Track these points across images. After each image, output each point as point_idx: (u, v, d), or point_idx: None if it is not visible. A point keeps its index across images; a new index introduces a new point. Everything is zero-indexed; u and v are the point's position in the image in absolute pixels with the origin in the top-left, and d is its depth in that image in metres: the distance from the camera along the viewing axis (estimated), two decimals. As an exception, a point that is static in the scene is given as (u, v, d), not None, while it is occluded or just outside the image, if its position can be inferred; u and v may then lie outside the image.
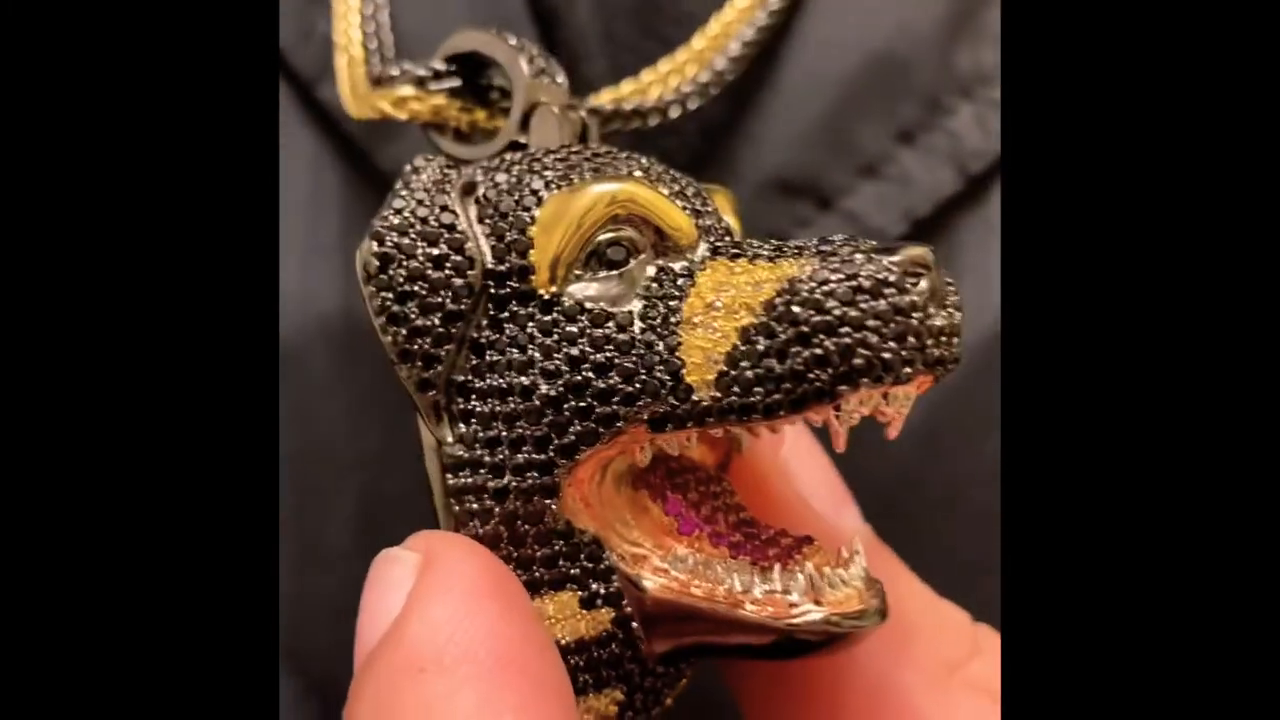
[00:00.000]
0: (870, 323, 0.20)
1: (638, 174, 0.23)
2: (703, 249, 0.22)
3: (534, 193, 0.23)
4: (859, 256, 0.20)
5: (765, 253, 0.22)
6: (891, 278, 0.20)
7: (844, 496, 0.24)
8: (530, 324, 0.22)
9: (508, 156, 0.24)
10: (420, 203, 0.23)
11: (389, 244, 0.23)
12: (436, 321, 0.22)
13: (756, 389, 0.20)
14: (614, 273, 0.22)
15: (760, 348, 0.20)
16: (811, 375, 0.20)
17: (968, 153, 0.27)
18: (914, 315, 0.20)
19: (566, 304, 0.22)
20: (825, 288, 0.20)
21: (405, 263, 0.23)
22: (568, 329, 0.22)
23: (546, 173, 0.23)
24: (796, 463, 0.23)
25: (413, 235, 0.23)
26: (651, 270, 0.22)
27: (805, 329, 0.20)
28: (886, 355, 0.20)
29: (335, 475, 0.28)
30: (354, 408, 0.28)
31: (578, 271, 0.22)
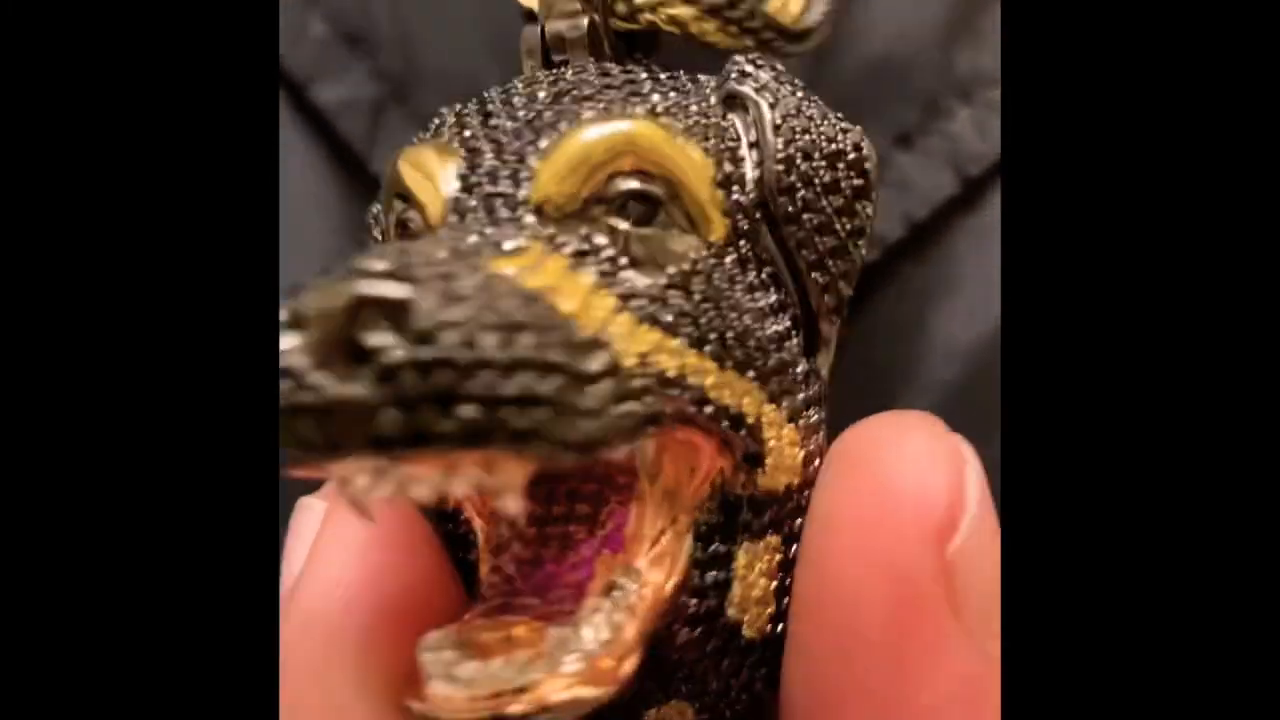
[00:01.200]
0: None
1: (446, 129, 0.21)
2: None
3: None
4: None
5: None
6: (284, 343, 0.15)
7: (997, 613, 0.19)
8: None
9: None
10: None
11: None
12: None
13: None
14: None
15: None
16: None
17: (966, 156, 0.27)
18: (286, 382, 0.15)
19: None
20: None
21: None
22: None
23: None
24: (965, 562, 0.19)
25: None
26: None
27: None
28: (284, 435, 0.16)
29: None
30: None
31: None
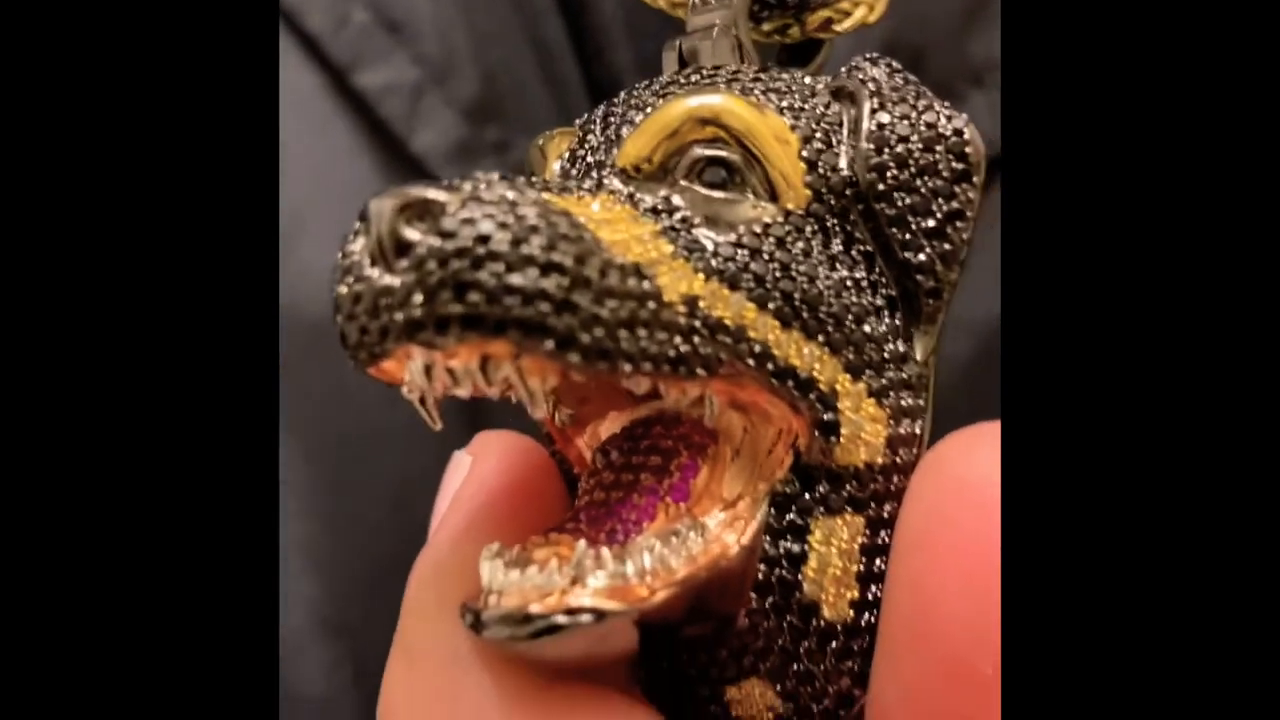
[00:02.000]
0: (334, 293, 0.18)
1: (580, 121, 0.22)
2: None
3: None
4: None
5: None
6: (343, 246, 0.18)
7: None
8: None
9: None
10: None
11: None
12: None
13: None
14: None
15: None
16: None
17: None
18: (346, 280, 0.17)
19: None
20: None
21: None
22: None
23: None
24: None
25: None
26: None
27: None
28: (346, 330, 0.18)
29: (370, 453, 0.29)
30: (386, 389, 0.29)
31: None
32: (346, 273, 0.17)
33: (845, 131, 0.20)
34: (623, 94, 0.22)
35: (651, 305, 0.17)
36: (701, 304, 0.18)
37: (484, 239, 0.16)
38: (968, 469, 0.18)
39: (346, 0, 0.30)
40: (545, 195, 0.18)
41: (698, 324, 0.18)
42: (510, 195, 0.17)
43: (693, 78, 0.21)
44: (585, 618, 0.17)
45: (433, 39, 0.29)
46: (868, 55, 0.22)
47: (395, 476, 0.29)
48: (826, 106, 0.21)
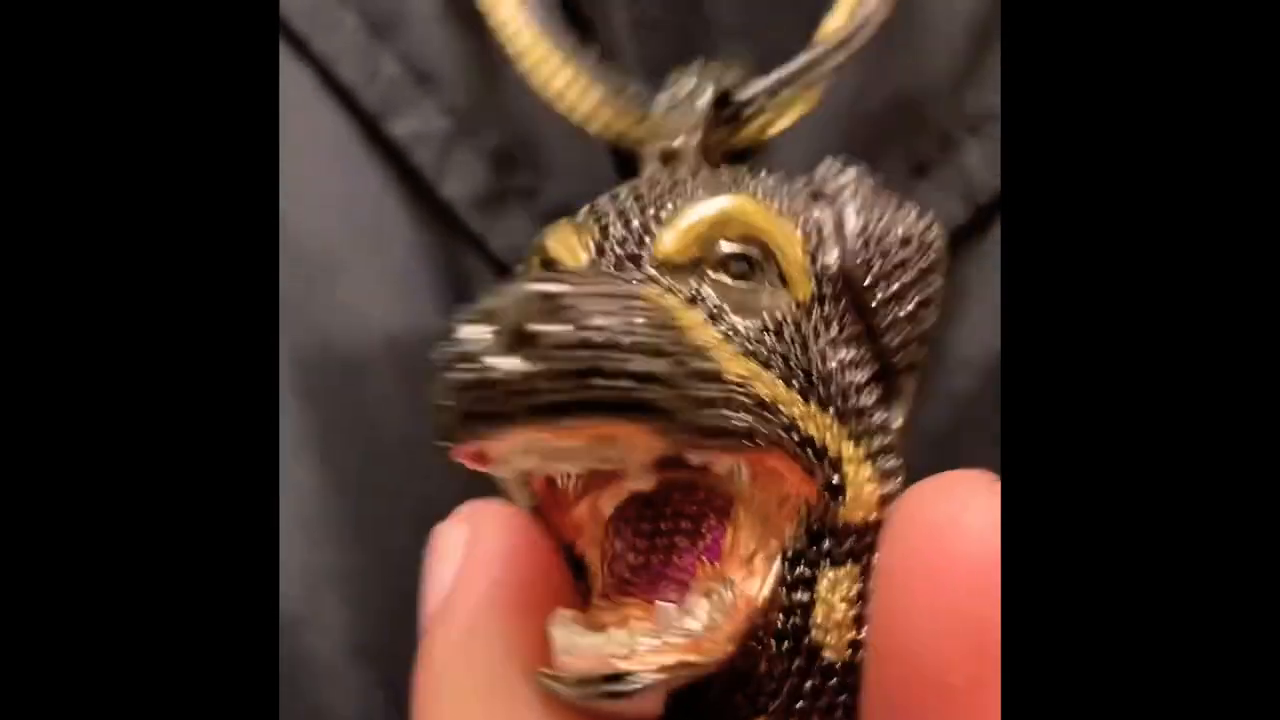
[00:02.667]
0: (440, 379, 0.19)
1: (581, 214, 0.24)
2: None
3: None
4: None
5: None
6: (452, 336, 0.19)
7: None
8: None
9: None
10: None
11: None
12: None
13: None
14: None
15: None
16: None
17: (975, 186, 0.30)
18: (460, 367, 0.19)
19: None
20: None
21: None
22: None
23: None
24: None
25: None
26: None
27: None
28: (454, 411, 0.19)
29: (396, 480, 0.30)
30: (412, 420, 0.31)
31: None
32: (461, 359, 0.19)
33: (831, 230, 0.23)
34: (623, 191, 0.24)
35: (721, 385, 0.20)
36: (749, 382, 0.21)
37: (601, 329, 0.19)
38: (931, 507, 0.20)
39: (378, 52, 0.31)
40: (634, 288, 0.20)
41: (750, 401, 0.21)
42: (615, 289, 0.19)
43: (695, 177, 0.24)
44: (669, 674, 0.20)
45: (460, 89, 0.31)
46: (835, 159, 0.25)
47: (419, 505, 0.31)
48: (810, 208, 0.24)
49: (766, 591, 0.21)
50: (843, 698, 0.22)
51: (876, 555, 0.21)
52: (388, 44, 0.31)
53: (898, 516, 0.21)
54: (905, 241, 0.24)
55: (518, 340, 0.18)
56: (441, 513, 0.30)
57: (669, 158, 0.25)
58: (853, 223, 0.23)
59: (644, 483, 0.21)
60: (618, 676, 0.19)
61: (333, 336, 0.30)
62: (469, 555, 0.22)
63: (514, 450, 0.20)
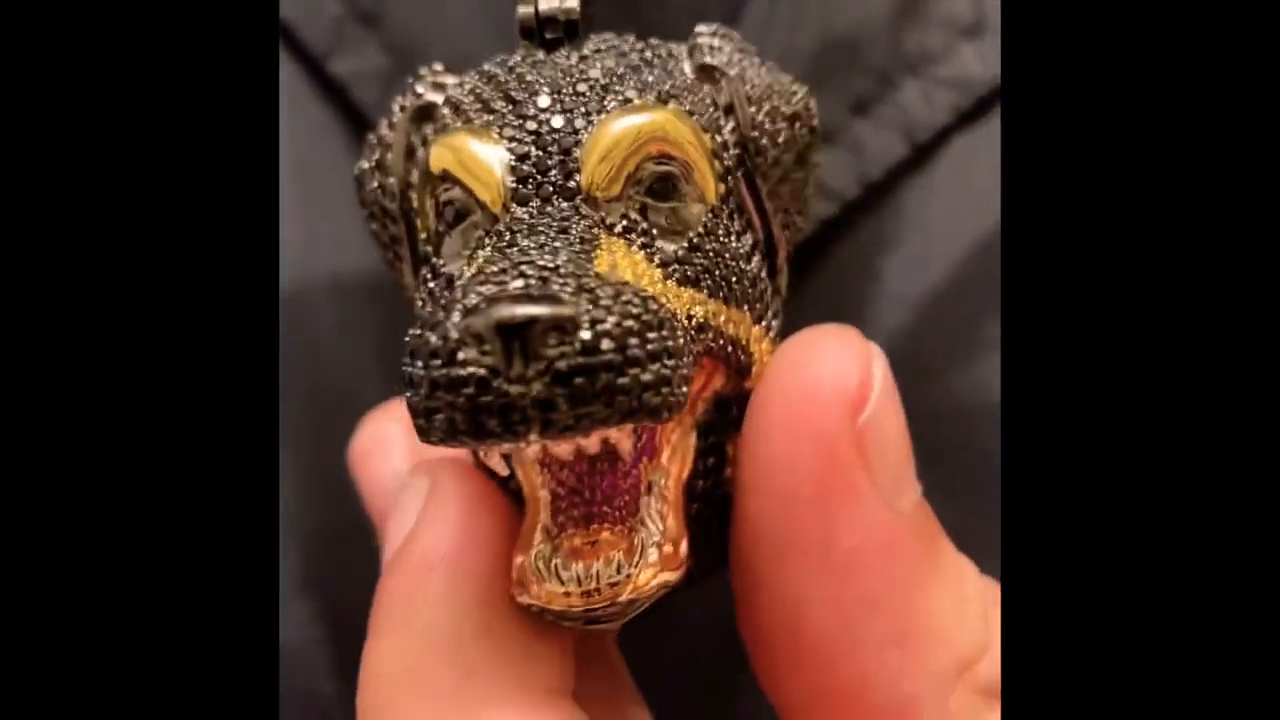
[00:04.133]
0: (427, 392, 0.19)
1: (469, 110, 0.23)
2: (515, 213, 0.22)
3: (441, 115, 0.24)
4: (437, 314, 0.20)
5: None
6: (447, 346, 0.19)
7: (907, 472, 0.23)
8: (425, 264, 0.24)
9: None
10: (383, 125, 0.26)
11: (360, 166, 0.26)
12: (386, 240, 0.25)
13: None
14: (458, 229, 0.23)
15: None
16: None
17: (914, 123, 0.30)
18: (464, 392, 0.19)
19: (431, 259, 0.23)
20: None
21: (366, 184, 0.26)
22: (428, 283, 0.23)
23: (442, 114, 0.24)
24: (873, 430, 0.22)
25: (371, 160, 0.26)
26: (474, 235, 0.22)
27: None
28: (454, 423, 0.19)
29: (344, 414, 0.31)
30: (360, 353, 0.31)
31: (437, 227, 0.23)
32: (467, 382, 0.19)
33: (722, 114, 0.24)
34: (508, 78, 0.23)
35: (686, 350, 0.21)
36: (689, 311, 0.22)
37: (621, 350, 0.19)
38: (792, 350, 0.23)
39: None
40: (598, 267, 0.21)
41: (694, 333, 0.22)
42: (611, 293, 0.20)
43: (589, 58, 0.24)
44: (655, 592, 0.21)
45: (402, 28, 0.31)
46: (711, 29, 0.25)
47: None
48: (700, 89, 0.24)
49: (688, 466, 0.23)
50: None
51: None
52: None
53: (770, 361, 0.23)
54: (791, 121, 0.25)
55: (524, 360, 0.19)
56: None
57: (547, 26, 0.25)
58: (743, 109, 0.24)
59: (503, 469, 0.23)
60: (611, 603, 0.21)
61: (280, 275, 0.30)
62: (433, 500, 0.23)
63: (509, 453, 0.21)
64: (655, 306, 0.20)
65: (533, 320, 0.19)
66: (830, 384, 0.22)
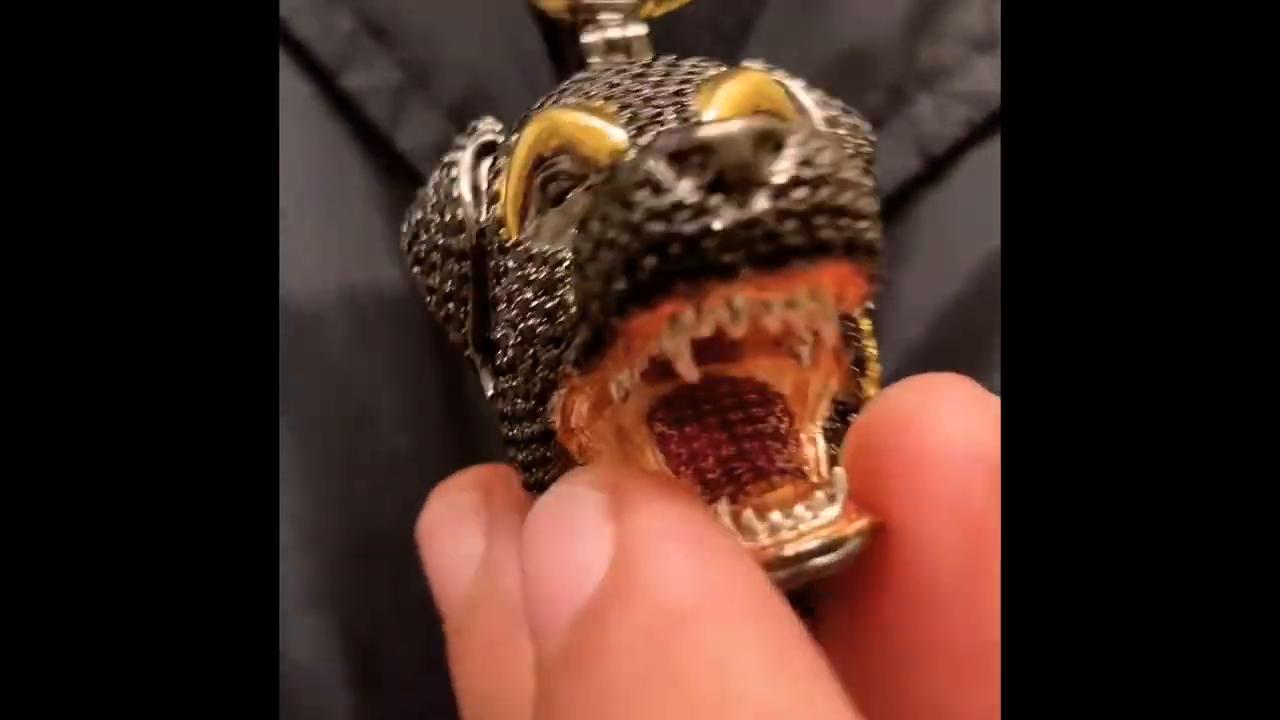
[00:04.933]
0: (644, 222, 0.17)
1: (570, 99, 0.22)
2: None
3: (507, 145, 0.23)
4: (639, 156, 0.17)
5: None
6: (653, 176, 0.17)
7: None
8: (504, 275, 0.22)
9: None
10: (440, 172, 0.25)
11: (412, 219, 0.25)
12: (449, 286, 0.24)
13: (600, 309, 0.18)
14: (559, 208, 0.21)
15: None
16: (601, 296, 0.17)
17: (927, 137, 0.30)
18: (679, 220, 0.16)
19: (518, 250, 0.22)
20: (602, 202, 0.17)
21: (422, 235, 0.25)
22: (520, 274, 0.21)
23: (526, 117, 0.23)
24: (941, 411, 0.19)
25: (428, 207, 0.25)
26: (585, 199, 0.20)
27: (582, 249, 0.18)
28: (657, 266, 0.17)
29: (353, 430, 0.31)
30: (375, 369, 0.31)
31: (534, 213, 0.22)
32: (677, 209, 0.16)
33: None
34: (603, 78, 0.23)
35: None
36: None
37: (830, 165, 0.17)
38: (915, 401, 0.19)
39: (332, 7, 0.31)
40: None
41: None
42: (816, 128, 0.19)
43: (674, 64, 0.23)
44: (863, 538, 0.19)
45: (415, 43, 0.31)
46: (758, 63, 0.25)
47: (380, 456, 0.31)
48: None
49: (824, 470, 0.20)
50: None
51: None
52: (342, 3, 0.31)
53: (879, 401, 0.20)
54: (853, 131, 0.25)
55: (740, 185, 0.16)
56: (398, 460, 0.30)
57: (614, 47, 0.25)
58: (818, 113, 0.24)
59: (693, 374, 0.19)
60: (825, 548, 0.18)
61: (291, 290, 0.30)
62: (635, 527, 0.17)
63: (712, 310, 0.17)
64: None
65: (747, 133, 0.16)
66: (966, 446, 0.18)
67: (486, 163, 0.25)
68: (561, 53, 0.31)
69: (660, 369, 0.19)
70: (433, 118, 0.31)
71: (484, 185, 0.24)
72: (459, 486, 0.24)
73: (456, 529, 0.23)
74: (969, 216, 0.30)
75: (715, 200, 0.16)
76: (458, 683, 0.22)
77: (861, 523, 0.19)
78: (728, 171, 0.16)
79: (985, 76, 0.30)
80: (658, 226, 0.16)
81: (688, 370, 0.18)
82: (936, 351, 0.30)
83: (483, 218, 0.24)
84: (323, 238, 0.31)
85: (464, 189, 0.24)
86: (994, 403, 0.19)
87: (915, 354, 0.30)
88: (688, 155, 0.16)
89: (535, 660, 0.17)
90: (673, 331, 0.18)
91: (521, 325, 0.21)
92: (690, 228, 0.16)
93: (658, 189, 0.16)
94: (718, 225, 0.16)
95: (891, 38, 0.31)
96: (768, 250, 0.16)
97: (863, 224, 0.17)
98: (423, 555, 0.24)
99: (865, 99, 0.30)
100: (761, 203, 0.16)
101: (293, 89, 0.31)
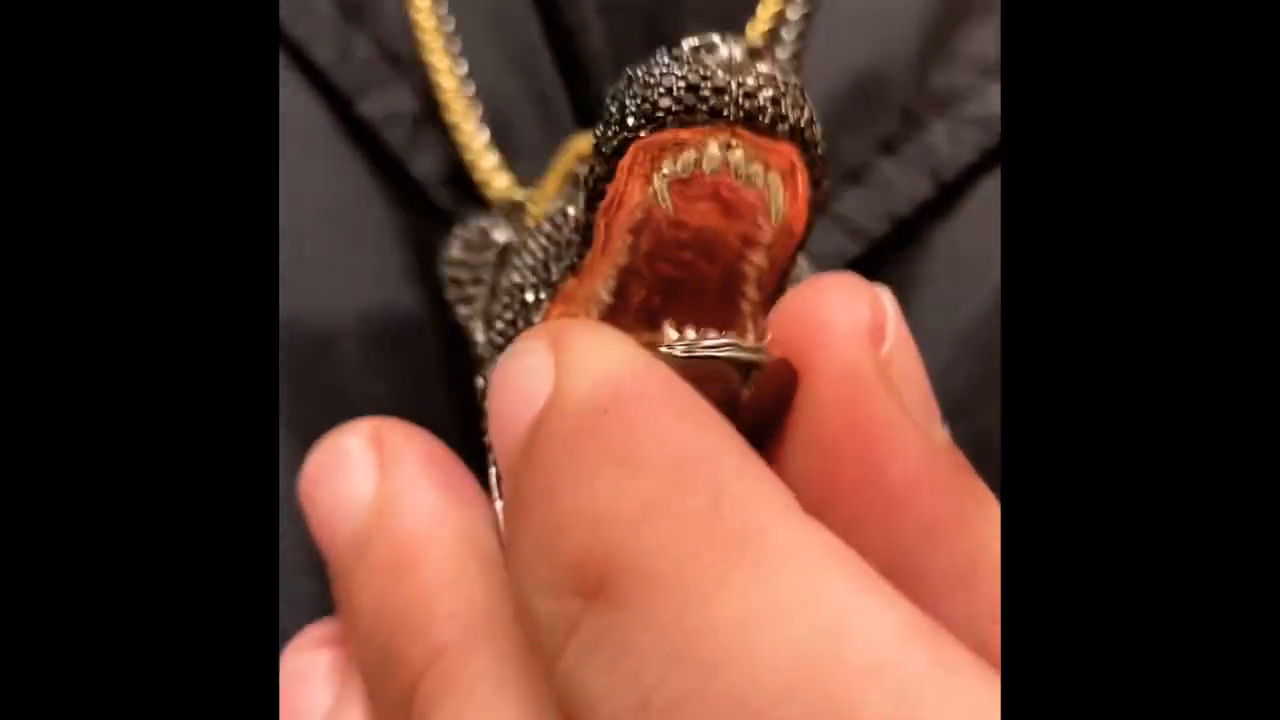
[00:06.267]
0: (661, 77, 0.22)
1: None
2: None
3: None
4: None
5: None
6: (664, 56, 0.22)
7: (934, 407, 0.23)
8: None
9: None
10: None
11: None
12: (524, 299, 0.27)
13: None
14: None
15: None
16: (612, 124, 0.22)
17: (941, 162, 0.30)
18: (703, 70, 0.21)
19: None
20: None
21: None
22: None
23: None
24: (896, 361, 0.22)
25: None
26: None
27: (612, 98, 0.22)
28: (666, 103, 0.21)
29: None
30: (388, 393, 0.31)
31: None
32: (685, 74, 0.21)
33: None
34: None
35: None
36: None
37: (797, 85, 0.22)
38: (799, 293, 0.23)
39: (351, 34, 0.31)
40: None
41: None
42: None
43: None
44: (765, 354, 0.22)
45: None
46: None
47: None
48: None
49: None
50: None
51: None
52: (360, 26, 0.31)
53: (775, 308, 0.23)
54: None
55: (733, 69, 0.21)
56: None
57: None
58: None
59: (667, 203, 0.23)
60: (732, 347, 0.21)
61: (303, 314, 0.30)
62: (566, 354, 0.21)
63: (714, 145, 0.22)
64: None
65: (741, 42, 0.22)
66: (847, 316, 0.21)
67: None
68: (582, 86, 0.31)
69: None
70: (448, 144, 0.31)
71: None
72: (343, 433, 0.26)
73: (342, 474, 0.25)
74: (983, 241, 0.30)
75: (718, 72, 0.21)
76: (348, 617, 0.24)
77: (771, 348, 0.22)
78: (724, 61, 0.21)
79: (998, 102, 0.30)
80: (669, 80, 0.21)
81: (663, 198, 0.22)
82: (955, 374, 0.30)
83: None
84: (336, 261, 0.31)
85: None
86: (872, 287, 0.22)
87: (933, 377, 0.30)
88: (697, 49, 0.21)
89: (502, 473, 0.21)
90: (670, 159, 0.22)
91: (519, 280, 0.26)
92: (694, 79, 0.21)
93: (671, 61, 0.22)
94: (716, 83, 0.21)
95: (906, 62, 0.31)
96: (750, 108, 0.21)
97: (818, 127, 0.22)
98: (304, 507, 0.25)
99: (878, 122, 0.30)
100: (750, 80, 0.21)
101: (309, 114, 0.31)
